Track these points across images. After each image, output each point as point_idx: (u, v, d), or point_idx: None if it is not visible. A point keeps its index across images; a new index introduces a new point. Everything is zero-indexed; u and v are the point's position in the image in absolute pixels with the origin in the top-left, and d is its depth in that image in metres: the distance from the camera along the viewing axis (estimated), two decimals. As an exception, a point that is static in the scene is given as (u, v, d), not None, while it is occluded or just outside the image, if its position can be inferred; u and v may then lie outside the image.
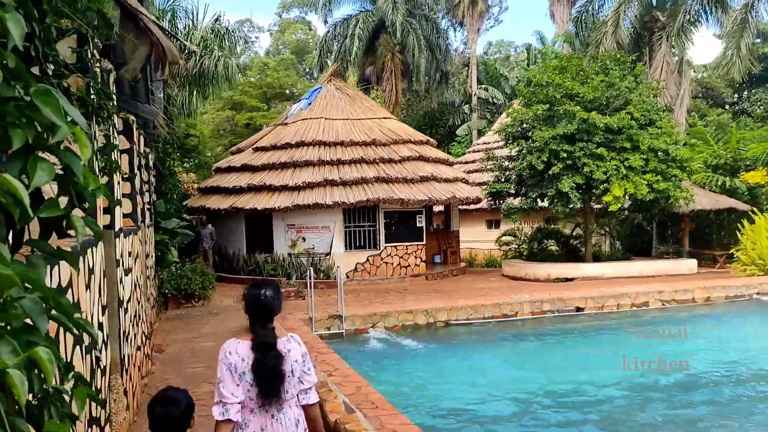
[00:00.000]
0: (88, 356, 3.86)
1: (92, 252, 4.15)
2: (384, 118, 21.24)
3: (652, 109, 18.32)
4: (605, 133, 17.84)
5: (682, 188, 17.99)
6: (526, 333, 12.20)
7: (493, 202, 20.54)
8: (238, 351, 3.19)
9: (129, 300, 6.46)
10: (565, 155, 17.48)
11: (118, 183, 5.74)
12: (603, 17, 30.44)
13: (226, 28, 25.92)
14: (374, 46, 37.25)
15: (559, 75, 18.31)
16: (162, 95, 14.54)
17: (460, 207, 23.07)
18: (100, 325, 4.43)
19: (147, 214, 11.83)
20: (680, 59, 28.72)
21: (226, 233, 19.37)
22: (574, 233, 22.21)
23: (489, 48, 55.89)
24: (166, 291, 13.95)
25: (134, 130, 8.38)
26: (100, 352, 4.42)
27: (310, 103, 21.03)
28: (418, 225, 19.55)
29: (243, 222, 19.13)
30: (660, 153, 17.93)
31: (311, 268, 13.10)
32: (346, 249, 18.71)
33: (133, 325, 6.71)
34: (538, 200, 19.00)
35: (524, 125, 19.15)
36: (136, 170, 8.38)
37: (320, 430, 3.45)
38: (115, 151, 5.84)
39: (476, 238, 26.00)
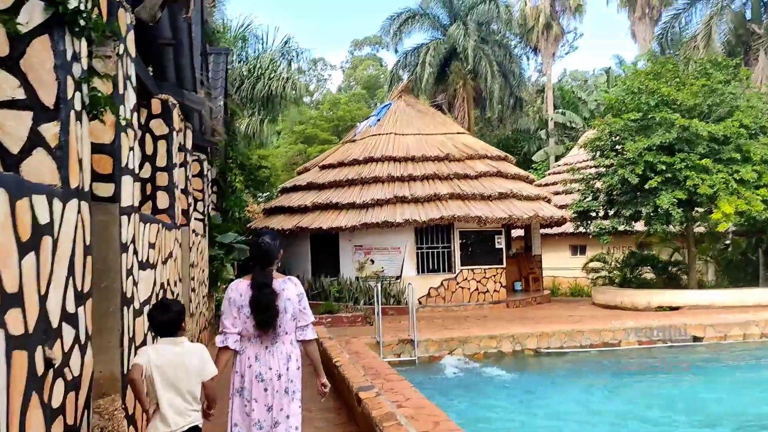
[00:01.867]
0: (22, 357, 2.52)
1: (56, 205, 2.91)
2: (458, 133, 19.84)
3: (763, 117, 16.08)
4: (709, 142, 15.73)
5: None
6: (633, 365, 10.22)
7: (579, 223, 18.55)
8: (239, 288, 3.69)
9: (148, 301, 5.19)
10: (663, 167, 15.45)
11: (131, 149, 4.53)
12: (690, 33, 28.27)
13: (295, 51, 25.40)
14: (445, 73, 36.15)
15: (653, 80, 16.40)
16: (222, 102, 13.73)
17: (541, 231, 21.17)
18: (69, 318, 3.11)
19: (200, 225, 10.83)
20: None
21: (290, 255, 18.23)
22: (672, 259, 19.82)
23: (563, 77, 53.88)
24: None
25: (175, 114, 7.33)
26: (68, 358, 3.10)
27: (379, 120, 19.93)
28: (497, 246, 17.83)
29: (308, 243, 18.01)
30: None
31: (379, 287, 11.65)
32: (418, 272, 17.18)
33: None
34: (632, 220, 16.91)
35: (614, 137, 17.22)
36: (175, 160, 7.30)
37: (317, 363, 3.88)
38: (136, 124, 4.68)
39: (559, 265, 23.87)
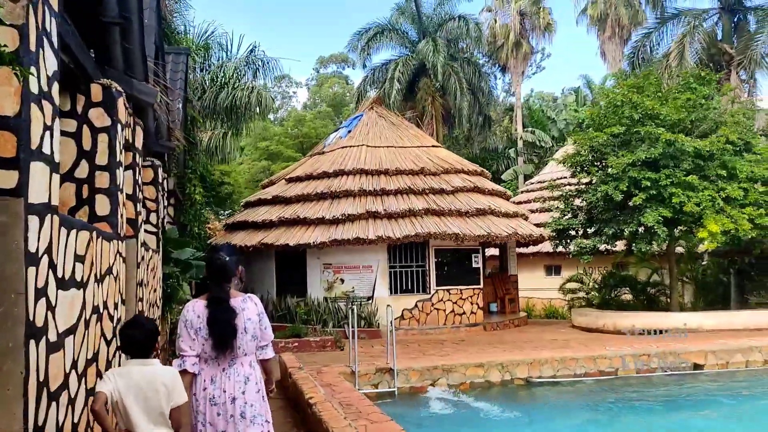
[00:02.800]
0: None
1: None
2: (432, 146, 18.98)
3: (749, 133, 15.66)
4: (695, 158, 15.19)
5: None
6: (634, 396, 9.31)
7: (558, 242, 17.78)
8: (195, 308, 3.56)
9: (72, 330, 3.99)
10: (648, 184, 14.81)
11: (48, 129, 3.39)
12: (660, 53, 28.19)
13: (261, 60, 24.28)
14: (414, 90, 35.48)
15: (636, 94, 15.83)
16: (181, 106, 12.53)
17: (515, 251, 20.38)
18: None
19: (153, 239, 9.60)
20: (750, 94, 26.09)
21: (253, 274, 16.99)
22: (650, 280, 19.21)
23: (530, 97, 54.03)
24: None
25: (120, 104, 6.17)
26: None
27: (350, 131, 18.93)
28: (475, 265, 16.91)
29: (273, 261, 16.78)
30: (760, 183, 15.17)
31: (353, 311, 10.53)
32: (391, 292, 16.11)
33: (82, 377, 4.23)
34: (615, 238, 16.23)
35: (595, 152, 16.56)
36: (119, 158, 6.12)
37: (274, 378, 3.91)
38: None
39: (533, 286, 23.09)
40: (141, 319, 3.60)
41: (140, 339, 3.30)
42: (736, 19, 26.58)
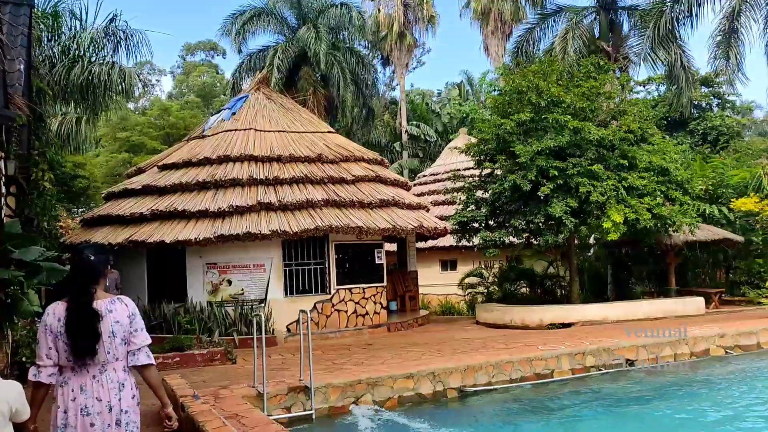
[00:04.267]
0: None
1: None
2: (328, 132, 17.34)
3: (649, 123, 15.62)
4: (598, 147, 14.86)
5: (688, 213, 15.16)
6: (579, 400, 8.33)
7: (462, 235, 16.86)
8: (56, 312, 3.29)
9: None
10: (556, 173, 14.23)
11: None
12: (543, 48, 28.56)
13: (123, 31, 21.16)
14: (294, 79, 33.58)
15: (542, 80, 15.23)
16: (23, 68, 9.94)
17: (415, 245, 19.29)
18: None
19: None
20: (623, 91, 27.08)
21: (121, 277, 14.41)
22: (547, 272, 18.92)
23: (409, 93, 53.87)
24: (23, 359, 9.10)
25: None
26: None
27: (234, 114, 16.80)
28: (378, 262, 15.53)
29: (144, 261, 14.32)
30: (658, 173, 15.15)
31: (261, 316, 8.74)
32: (287, 294, 14.30)
33: None
34: (522, 231, 15.57)
35: (500, 141, 15.74)
36: None
37: (157, 390, 3.42)
38: None
39: (430, 282, 22.17)
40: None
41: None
42: (611, 18, 27.40)
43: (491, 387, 8.58)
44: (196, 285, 14.00)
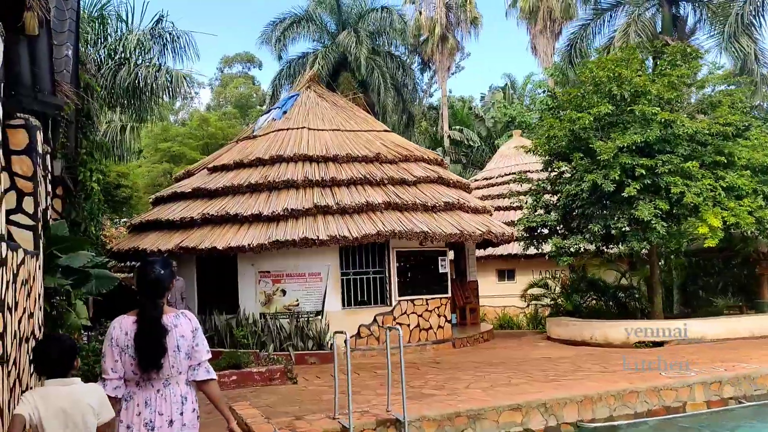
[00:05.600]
0: None
1: None
2: (384, 131, 16.22)
3: (748, 115, 14.12)
4: (689, 143, 13.42)
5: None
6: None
7: (529, 242, 15.52)
8: (123, 325, 3.27)
9: None
10: (643, 171, 12.85)
11: None
12: (597, 45, 27.13)
13: (170, 33, 20.44)
14: (334, 85, 32.67)
15: (625, 68, 13.88)
16: (71, 53, 9.02)
17: (475, 253, 18.00)
18: None
19: (27, 235, 6.31)
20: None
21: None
22: (620, 283, 17.42)
23: (448, 98, 52.63)
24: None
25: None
26: None
27: (285, 112, 15.79)
28: (441, 270, 14.29)
29: (194, 269, 13.35)
30: (759, 171, 13.63)
31: (330, 339, 7.58)
32: (344, 305, 13.16)
33: None
34: (602, 238, 14.15)
35: (576, 137, 14.37)
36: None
37: (219, 404, 3.40)
38: None
39: (486, 293, 20.78)
40: (57, 335, 3.50)
41: (55, 356, 3.11)
42: (674, 12, 25.86)
43: (612, 423, 7.22)
44: (249, 295, 12.95)
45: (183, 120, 53.87)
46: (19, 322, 5.03)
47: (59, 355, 3.13)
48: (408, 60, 39.44)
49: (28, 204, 6.42)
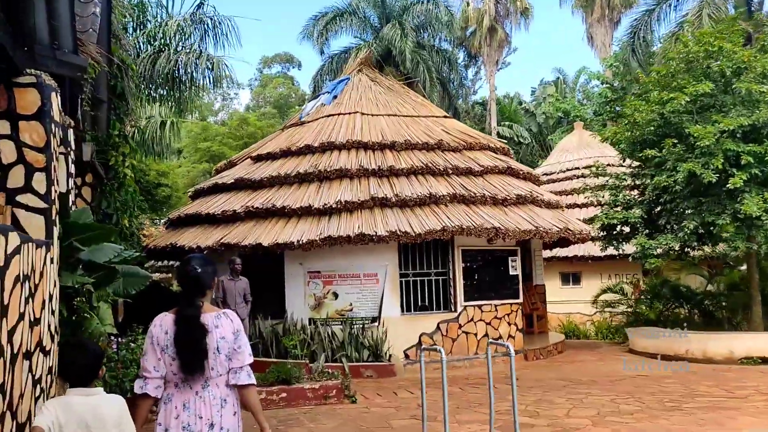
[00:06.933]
0: None
1: None
2: (444, 116, 14.71)
3: None
4: (803, 127, 11.56)
5: None
6: None
7: (608, 242, 13.78)
8: (163, 324, 3.18)
9: None
10: (750, 159, 11.05)
11: None
12: (663, 32, 25.18)
13: (211, 18, 19.27)
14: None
15: (727, 42, 12.09)
16: (99, 10, 7.74)
17: (542, 254, 16.30)
18: None
19: (36, 220, 5.03)
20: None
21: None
22: (706, 289, 15.51)
23: (495, 92, 50.78)
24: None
25: None
26: None
27: (335, 97, 14.41)
28: (512, 272, 12.70)
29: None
30: None
31: (426, 348, 6.08)
32: (403, 311, 11.67)
33: None
34: (698, 236, 12.34)
35: (666, 121, 12.58)
36: None
37: (256, 412, 3.25)
38: None
39: (548, 298, 19.06)
40: (83, 341, 3.35)
41: (83, 363, 3.01)
42: (750, -6, 23.70)
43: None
44: (296, 298, 11.56)
45: (223, 121, 53.52)
46: (11, 333, 3.67)
47: (86, 362, 3.01)
48: (453, 54, 37.99)
49: (39, 182, 5.08)
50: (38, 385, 4.71)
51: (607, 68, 30.08)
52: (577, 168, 20.66)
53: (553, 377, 10.27)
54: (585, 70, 34.82)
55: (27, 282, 4.14)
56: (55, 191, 5.39)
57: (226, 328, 3.18)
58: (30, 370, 4.35)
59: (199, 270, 3.20)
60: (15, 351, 3.81)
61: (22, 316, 3.97)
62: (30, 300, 4.26)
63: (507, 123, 36.05)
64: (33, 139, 5.07)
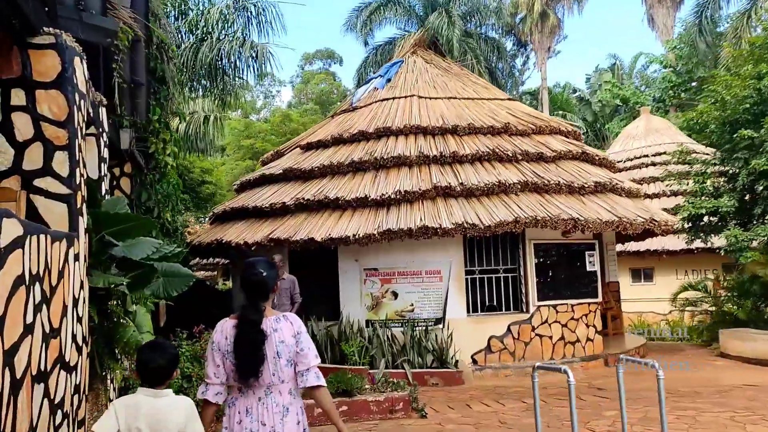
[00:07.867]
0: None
1: None
2: (508, 99, 13.53)
3: None
4: None
5: None
6: None
7: (694, 235, 12.39)
8: (225, 329, 3.12)
9: None
10: None
11: None
12: (732, 12, 23.36)
13: (255, 5, 18.45)
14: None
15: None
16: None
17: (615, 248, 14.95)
18: None
19: (59, 209, 4.15)
20: None
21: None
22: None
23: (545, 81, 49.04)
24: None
25: None
26: None
27: (389, 80, 13.39)
28: (590, 269, 11.45)
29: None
30: None
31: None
32: (470, 311, 10.57)
33: None
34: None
35: (759, 101, 11.18)
36: None
37: (331, 413, 3.17)
38: None
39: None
40: (160, 341, 3.27)
41: (158, 364, 2.93)
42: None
43: None
44: (352, 297, 10.57)
45: (265, 118, 53.35)
46: (10, 353, 2.75)
47: (161, 363, 2.94)
48: (501, 42, 36.60)
49: (60, 162, 4.20)
50: (59, 410, 3.81)
51: (669, 51, 28.30)
52: (646, 156, 19.15)
53: (646, 387, 9.01)
54: (643, 54, 33.00)
55: (38, 284, 3.22)
56: (82, 175, 4.50)
57: (285, 332, 3.08)
58: (46, 394, 3.44)
59: (264, 274, 3.11)
60: (19, 375, 2.89)
61: (29, 329, 3.05)
62: (44, 306, 3.35)
63: (561, 112, 34.45)
64: (52, 110, 4.19)
